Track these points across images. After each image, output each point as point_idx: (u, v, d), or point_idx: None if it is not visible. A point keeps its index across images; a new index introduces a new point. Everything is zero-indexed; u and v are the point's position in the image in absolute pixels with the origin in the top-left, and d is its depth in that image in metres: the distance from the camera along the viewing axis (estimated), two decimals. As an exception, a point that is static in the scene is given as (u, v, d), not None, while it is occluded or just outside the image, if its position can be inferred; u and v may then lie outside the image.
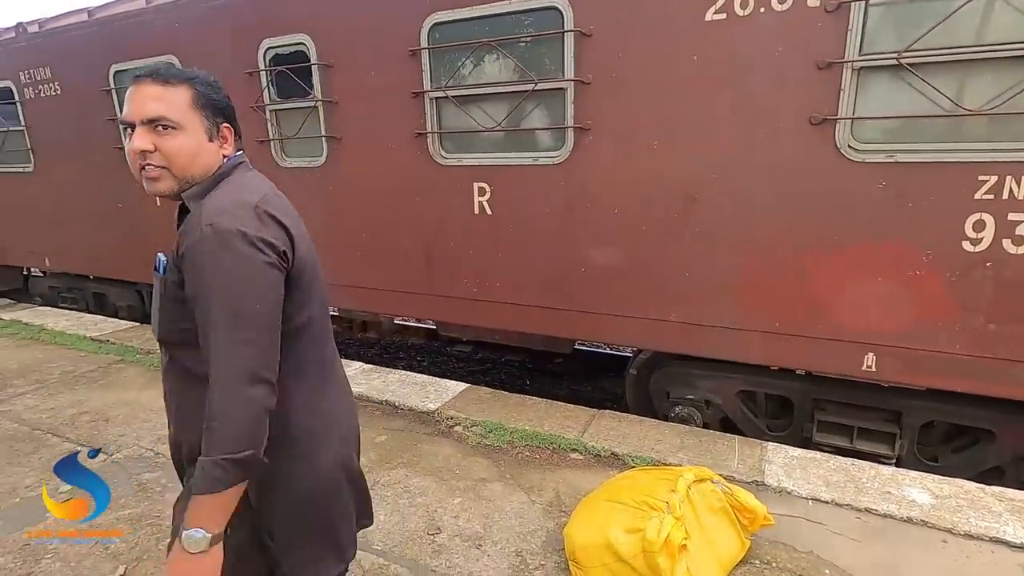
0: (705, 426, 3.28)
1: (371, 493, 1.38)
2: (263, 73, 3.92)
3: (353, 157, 3.79)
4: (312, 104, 3.80)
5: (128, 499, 2.55)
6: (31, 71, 5.20)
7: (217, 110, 1.11)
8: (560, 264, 3.25)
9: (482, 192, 3.37)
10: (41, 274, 6.57)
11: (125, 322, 5.26)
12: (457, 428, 3.10)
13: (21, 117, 5.43)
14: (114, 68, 4.63)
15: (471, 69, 3.29)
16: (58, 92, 5.10)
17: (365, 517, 1.35)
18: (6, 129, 5.59)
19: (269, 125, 4.01)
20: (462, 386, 3.60)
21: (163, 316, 1.10)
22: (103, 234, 5.35)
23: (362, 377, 3.77)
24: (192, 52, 4.24)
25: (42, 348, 4.72)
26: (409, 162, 3.55)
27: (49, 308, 5.97)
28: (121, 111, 4.77)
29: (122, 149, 4.81)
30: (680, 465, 2.51)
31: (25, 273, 6.74)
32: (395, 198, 3.69)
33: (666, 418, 3.34)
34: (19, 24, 5.23)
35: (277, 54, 3.89)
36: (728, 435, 2.95)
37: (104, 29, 4.68)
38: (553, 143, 3.16)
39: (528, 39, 3.05)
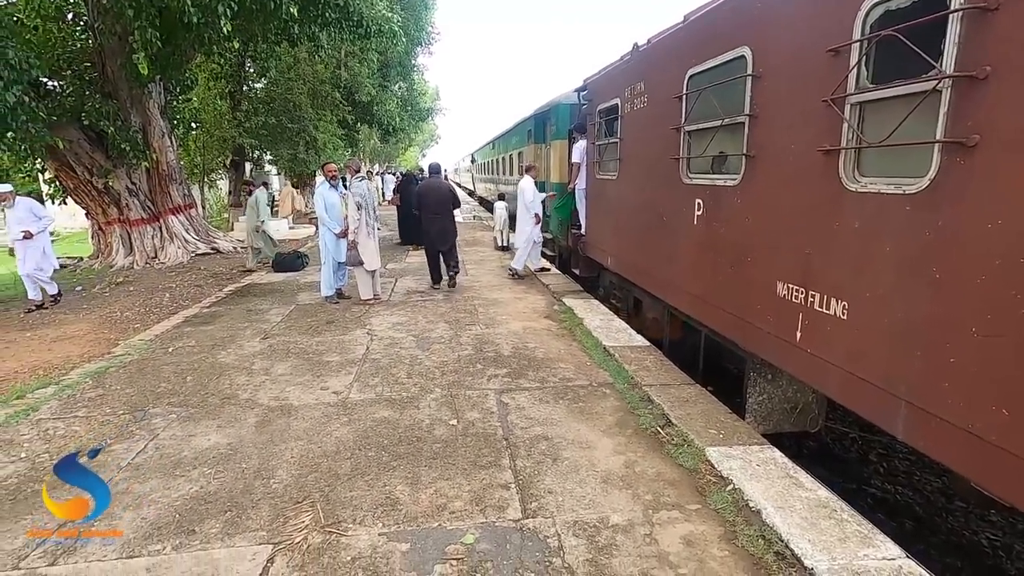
0: None
1: None
2: (856, 46, 2.54)
3: (998, 180, 1.96)
4: (932, 85, 2.17)
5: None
6: (631, 86, 5.54)
7: None
8: None
9: None
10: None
11: (640, 339, 5.08)
12: None
13: (619, 130, 5.96)
14: (689, 72, 4.23)
15: None
16: (645, 104, 5.22)
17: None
18: (607, 142, 6.32)
19: (845, 126, 2.63)
20: None
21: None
22: (645, 244, 5.31)
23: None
24: (765, 39, 3.29)
25: (568, 343, 5.08)
26: None
27: (598, 303, 6.60)
28: (687, 118, 4.45)
29: (678, 159, 4.45)
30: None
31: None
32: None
33: None
34: (635, 44, 5.62)
35: (887, 11, 2.42)
36: None
37: (684, 32, 4.33)
38: None
39: None
